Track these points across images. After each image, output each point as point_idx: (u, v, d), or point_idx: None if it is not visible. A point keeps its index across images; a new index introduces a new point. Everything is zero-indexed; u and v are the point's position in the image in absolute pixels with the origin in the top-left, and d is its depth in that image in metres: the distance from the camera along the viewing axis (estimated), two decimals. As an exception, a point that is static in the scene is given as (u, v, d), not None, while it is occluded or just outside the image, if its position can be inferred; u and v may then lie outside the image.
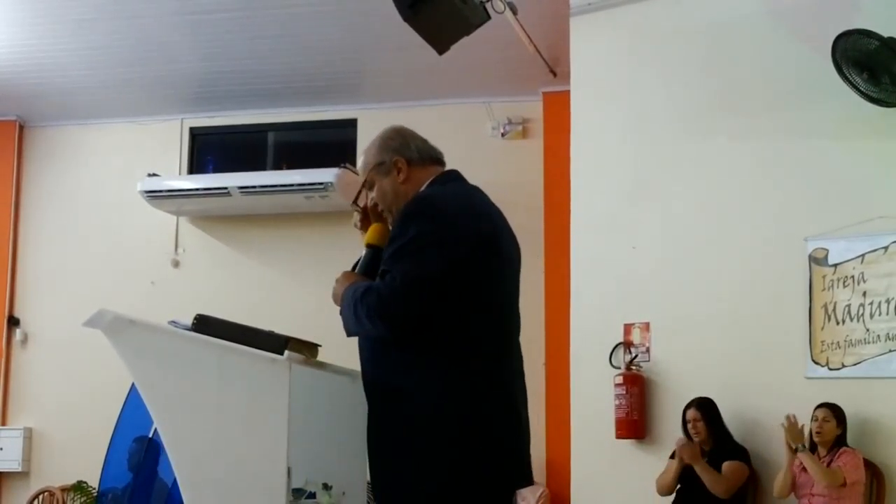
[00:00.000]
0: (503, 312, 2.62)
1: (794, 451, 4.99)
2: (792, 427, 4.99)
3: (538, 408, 6.29)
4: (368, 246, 2.76)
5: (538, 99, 7.61)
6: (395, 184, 2.71)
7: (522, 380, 2.67)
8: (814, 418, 5.04)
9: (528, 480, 2.63)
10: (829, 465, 4.95)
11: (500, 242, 2.63)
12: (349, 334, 2.63)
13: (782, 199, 5.54)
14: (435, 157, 2.77)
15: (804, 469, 5.01)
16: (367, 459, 2.59)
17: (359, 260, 2.76)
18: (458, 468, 2.43)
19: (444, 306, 2.45)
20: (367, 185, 2.77)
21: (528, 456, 2.64)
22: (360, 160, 2.81)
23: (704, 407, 5.38)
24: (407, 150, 2.73)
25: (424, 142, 2.79)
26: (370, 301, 2.49)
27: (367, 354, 2.61)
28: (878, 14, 5.20)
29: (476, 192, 2.71)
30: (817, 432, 5.01)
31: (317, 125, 8.24)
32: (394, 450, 2.49)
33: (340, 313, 2.64)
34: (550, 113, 7.41)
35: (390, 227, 2.69)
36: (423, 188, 2.68)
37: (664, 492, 5.42)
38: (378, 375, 2.57)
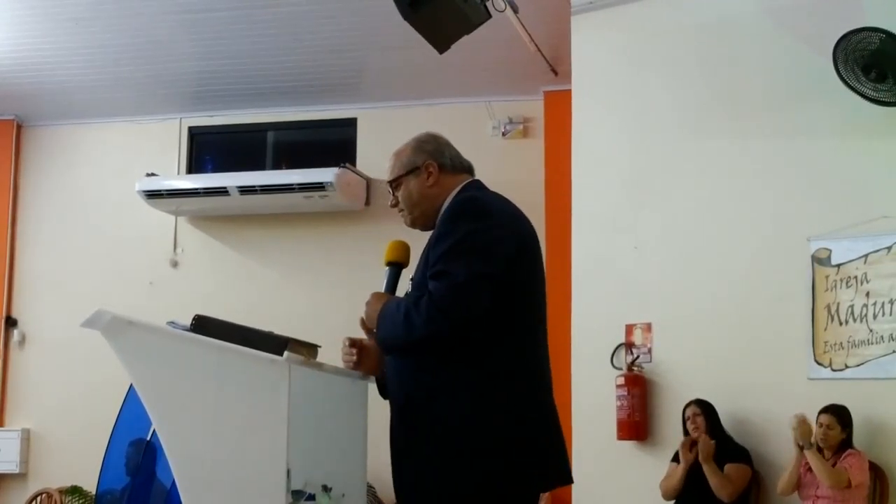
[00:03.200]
0: (541, 311, 2.65)
1: (802, 449, 4.96)
2: (801, 424, 4.96)
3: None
4: (389, 264, 2.75)
5: (539, 98, 7.58)
6: (422, 186, 2.72)
7: (550, 370, 2.69)
8: (818, 424, 5.02)
9: (565, 478, 2.59)
10: (834, 465, 4.93)
11: (535, 241, 2.67)
12: (394, 351, 2.59)
13: (785, 199, 5.52)
14: (466, 167, 2.79)
15: (810, 469, 4.99)
16: (392, 462, 2.57)
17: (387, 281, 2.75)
18: (492, 469, 2.41)
19: (502, 304, 2.45)
20: (394, 185, 2.76)
21: (565, 450, 2.63)
22: (391, 161, 2.80)
23: (702, 403, 5.39)
24: (440, 155, 2.74)
25: (457, 152, 2.80)
26: (430, 303, 2.43)
27: (400, 367, 2.58)
28: (879, 14, 5.17)
29: (505, 197, 2.74)
30: (822, 439, 4.98)
31: (316, 124, 8.22)
32: (425, 452, 2.47)
33: (379, 334, 2.59)
34: (551, 112, 7.39)
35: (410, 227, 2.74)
36: (453, 193, 2.69)
37: (669, 496, 5.39)
38: (407, 375, 2.54)
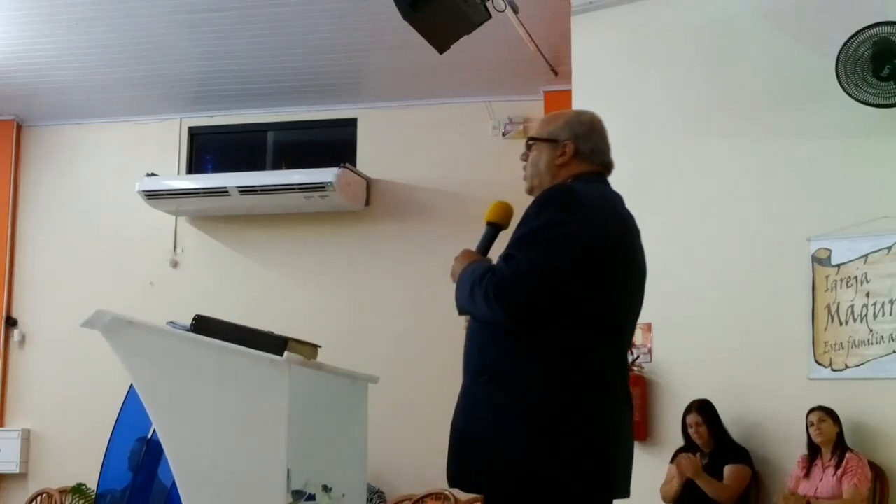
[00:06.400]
0: (619, 319, 2.57)
1: None
2: (790, 497, 4.95)
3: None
4: (489, 223, 2.72)
5: (539, 98, 7.57)
6: (551, 160, 2.68)
7: (629, 398, 2.60)
8: (809, 423, 5.03)
9: (622, 491, 2.52)
10: (836, 469, 4.94)
11: (628, 248, 2.61)
12: (461, 312, 2.59)
13: (785, 199, 5.52)
14: (600, 161, 2.72)
15: (805, 475, 5.03)
16: (451, 438, 2.52)
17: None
18: (548, 462, 2.37)
19: (564, 301, 2.39)
20: (530, 144, 2.75)
21: (625, 467, 2.54)
22: (543, 119, 2.80)
23: (704, 410, 5.35)
24: (584, 141, 2.69)
25: (606, 147, 2.75)
26: (490, 284, 2.42)
27: (476, 333, 2.55)
28: (879, 15, 5.16)
29: (616, 197, 2.69)
30: (818, 433, 4.99)
31: (317, 124, 8.21)
32: (487, 434, 2.42)
33: (456, 292, 2.58)
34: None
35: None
36: (569, 179, 2.64)
37: (669, 502, 5.38)
38: (483, 358, 2.50)
